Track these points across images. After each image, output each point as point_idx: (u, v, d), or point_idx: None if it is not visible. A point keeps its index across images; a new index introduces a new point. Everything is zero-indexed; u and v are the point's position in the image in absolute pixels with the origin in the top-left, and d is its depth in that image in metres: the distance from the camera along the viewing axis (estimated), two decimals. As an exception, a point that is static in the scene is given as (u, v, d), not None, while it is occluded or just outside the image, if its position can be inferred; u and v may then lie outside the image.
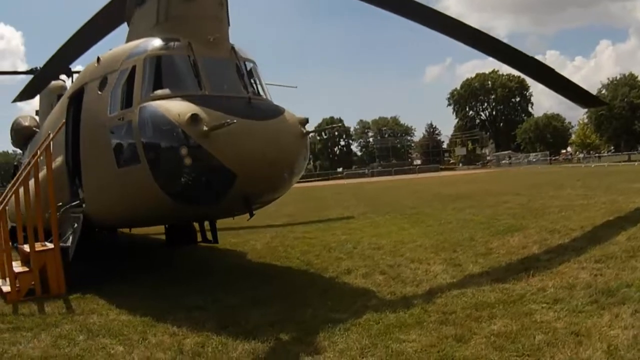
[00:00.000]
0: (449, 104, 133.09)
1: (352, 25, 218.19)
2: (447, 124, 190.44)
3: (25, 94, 13.59)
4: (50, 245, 8.56)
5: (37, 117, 15.89)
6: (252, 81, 9.23)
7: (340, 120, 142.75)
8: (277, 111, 8.42)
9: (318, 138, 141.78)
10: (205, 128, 7.20)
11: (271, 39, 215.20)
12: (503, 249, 9.75)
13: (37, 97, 14.71)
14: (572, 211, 13.72)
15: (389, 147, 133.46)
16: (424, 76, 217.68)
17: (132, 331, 6.47)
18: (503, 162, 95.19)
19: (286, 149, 8.02)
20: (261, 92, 9.30)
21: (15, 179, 10.84)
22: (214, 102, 7.80)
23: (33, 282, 8.21)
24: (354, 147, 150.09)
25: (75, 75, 12.76)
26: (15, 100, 13.58)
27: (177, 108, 7.58)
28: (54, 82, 13.57)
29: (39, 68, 13.95)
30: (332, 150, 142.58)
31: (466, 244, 10.58)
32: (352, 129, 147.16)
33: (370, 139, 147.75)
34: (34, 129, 15.37)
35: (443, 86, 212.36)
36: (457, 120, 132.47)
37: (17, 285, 8.14)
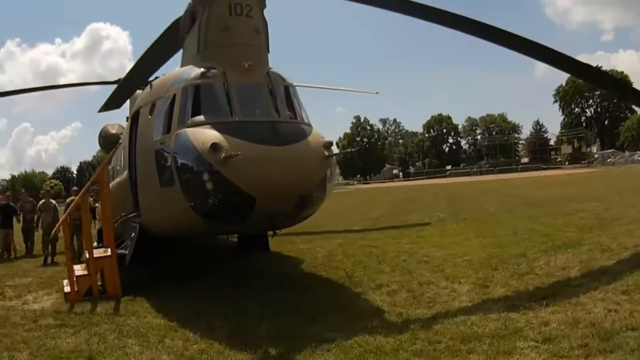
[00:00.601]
0: (555, 101, 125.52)
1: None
2: (555, 121, 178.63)
3: (110, 105, 13.76)
4: (108, 252, 9.21)
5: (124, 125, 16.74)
6: (288, 104, 9.40)
7: (449, 118, 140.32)
8: (300, 135, 8.53)
9: (427, 135, 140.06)
10: (223, 155, 7.49)
11: (378, 34, 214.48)
12: (544, 269, 9.16)
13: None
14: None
15: (496, 144, 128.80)
16: (534, 71, 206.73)
17: (155, 334, 7.01)
18: (609, 160, 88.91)
19: (304, 173, 8.10)
20: (297, 114, 9.42)
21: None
22: (239, 129, 8.12)
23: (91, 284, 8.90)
24: (463, 143, 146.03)
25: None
26: (100, 111, 13.93)
27: (202, 136, 8.00)
28: (139, 92, 13.44)
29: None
30: (441, 147, 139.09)
31: (513, 261, 10.04)
32: (460, 127, 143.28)
33: (478, 137, 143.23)
34: (120, 135, 16.17)
35: (552, 81, 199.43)
36: (563, 117, 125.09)
37: (77, 286, 8.86)
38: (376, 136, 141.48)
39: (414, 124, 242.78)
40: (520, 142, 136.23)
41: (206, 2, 9.32)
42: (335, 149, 8.76)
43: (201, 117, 8.60)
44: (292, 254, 13.70)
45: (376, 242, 14.59)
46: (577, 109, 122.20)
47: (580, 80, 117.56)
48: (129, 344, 6.60)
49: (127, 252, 9.96)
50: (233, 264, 12.56)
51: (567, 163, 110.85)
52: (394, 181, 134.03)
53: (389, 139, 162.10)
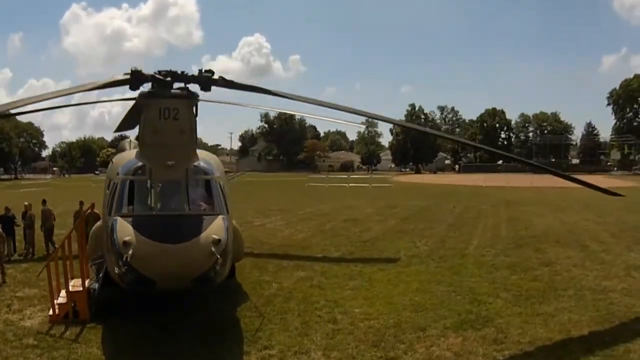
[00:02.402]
0: (608, 104, 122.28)
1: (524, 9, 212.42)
2: (608, 124, 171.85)
3: (123, 126, 15.08)
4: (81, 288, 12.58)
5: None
6: (206, 195, 11.69)
7: (502, 112, 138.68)
8: (196, 232, 10.31)
9: (479, 129, 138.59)
10: (130, 251, 9.92)
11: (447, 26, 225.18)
12: (414, 356, 9.84)
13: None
14: (601, 295, 13.73)
15: (547, 144, 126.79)
16: (596, 69, 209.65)
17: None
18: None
19: (190, 266, 10.03)
20: (214, 204, 11.43)
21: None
22: (149, 226, 10.38)
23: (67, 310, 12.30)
24: (515, 140, 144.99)
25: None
26: (116, 131, 16.19)
27: (122, 231, 10.25)
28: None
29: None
30: (494, 142, 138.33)
31: (405, 337, 10.82)
32: (513, 122, 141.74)
33: (530, 134, 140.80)
34: None
35: (616, 80, 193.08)
36: (615, 121, 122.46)
37: (57, 310, 12.27)
38: (430, 125, 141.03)
39: (473, 113, 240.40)
40: (572, 143, 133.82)
41: (144, 103, 11.08)
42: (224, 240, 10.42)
43: (130, 208, 11.15)
44: (249, 287, 15.07)
45: (330, 281, 15.78)
46: (630, 114, 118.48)
47: (635, 86, 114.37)
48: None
49: (95, 287, 12.98)
50: (177, 301, 12.71)
51: (616, 169, 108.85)
52: (445, 173, 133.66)
53: (444, 127, 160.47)
